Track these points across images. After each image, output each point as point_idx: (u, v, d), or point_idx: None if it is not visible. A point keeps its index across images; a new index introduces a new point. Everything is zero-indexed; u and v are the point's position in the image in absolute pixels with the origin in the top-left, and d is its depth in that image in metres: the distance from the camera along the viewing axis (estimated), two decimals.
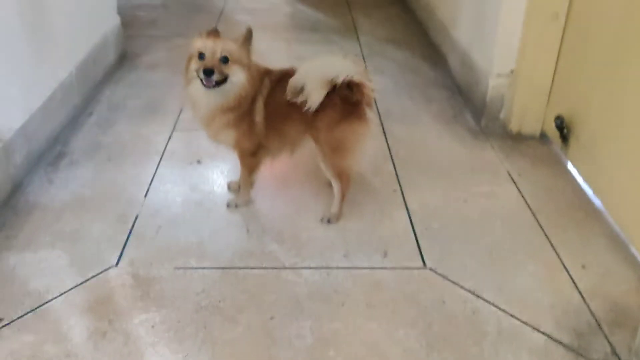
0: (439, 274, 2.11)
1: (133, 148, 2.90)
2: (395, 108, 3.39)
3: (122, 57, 3.88)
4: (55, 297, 1.96)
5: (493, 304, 1.98)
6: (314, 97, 2.13)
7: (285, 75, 2.21)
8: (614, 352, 1.82)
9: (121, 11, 4.28)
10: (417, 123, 3.25)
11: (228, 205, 2.47)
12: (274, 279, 2.07)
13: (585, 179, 2.67)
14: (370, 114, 2.24)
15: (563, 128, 2.81)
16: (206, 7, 5.12)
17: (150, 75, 3.70)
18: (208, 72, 2.09)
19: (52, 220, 2.35)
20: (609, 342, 1.85)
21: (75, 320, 1.87)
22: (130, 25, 4.51)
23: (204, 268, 2.11)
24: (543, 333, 1.87)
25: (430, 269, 2.14)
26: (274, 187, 2.64)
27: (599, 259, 2.21)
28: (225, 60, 2.14)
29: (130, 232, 2.29)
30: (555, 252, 2.24)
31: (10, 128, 2.46)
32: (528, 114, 3.11)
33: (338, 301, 1.98)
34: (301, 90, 2.14)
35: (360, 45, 4.34)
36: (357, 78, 2.14)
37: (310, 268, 2.13)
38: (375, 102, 3.38)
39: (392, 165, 2.81)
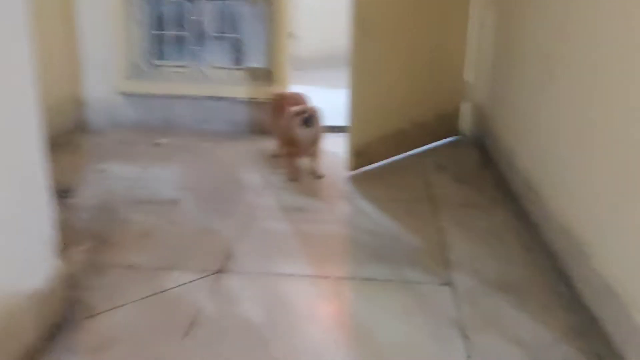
0: None
1: None
2: None
3: (61, 322, 2.36)
4: None
5: None
6: None
7: None
8: None
9: (113, 210, 3.41)
10: None
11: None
12: None
13: None
14: None
15: None
16: (232, 207, 3.60)
17: None
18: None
19: None
20: None
21: None
22: (109, 243, 3.06)
23: None
24: None
25: None
26: None
27: None
28: None
29: None
30: None
31: None
32: None
33: None
34: None
35: (456, 299, 2.63)
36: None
37: None
38: None
39: None
